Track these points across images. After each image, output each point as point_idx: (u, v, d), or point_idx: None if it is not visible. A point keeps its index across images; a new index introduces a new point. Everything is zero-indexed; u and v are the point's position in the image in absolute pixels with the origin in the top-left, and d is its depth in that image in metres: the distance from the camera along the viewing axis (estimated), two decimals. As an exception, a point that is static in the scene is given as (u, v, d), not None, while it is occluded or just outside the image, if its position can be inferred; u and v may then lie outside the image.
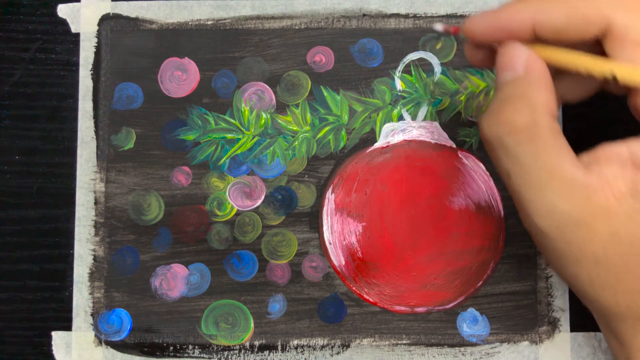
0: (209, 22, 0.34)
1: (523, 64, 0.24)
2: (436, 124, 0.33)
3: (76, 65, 0.34)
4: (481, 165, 0.33)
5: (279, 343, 0.33)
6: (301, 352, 0.33)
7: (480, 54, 0.27)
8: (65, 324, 0.34)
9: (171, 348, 0.33)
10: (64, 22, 0.35)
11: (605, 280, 0.23)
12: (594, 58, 0.23)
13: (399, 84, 0.34)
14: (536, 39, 0.24)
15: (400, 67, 0.34)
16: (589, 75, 0.23)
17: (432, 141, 0.33)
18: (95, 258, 0.34)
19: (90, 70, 0.34)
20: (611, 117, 0.33)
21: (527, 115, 0.23)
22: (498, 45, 0.25)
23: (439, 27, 0.27)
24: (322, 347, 0.33)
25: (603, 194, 0.22)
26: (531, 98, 0.23)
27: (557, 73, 0.26)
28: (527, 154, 0.23)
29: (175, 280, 0.34)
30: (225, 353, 0.33)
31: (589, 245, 0.23)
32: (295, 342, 0.33)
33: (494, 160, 0.25)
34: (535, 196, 0.23)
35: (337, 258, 0.33)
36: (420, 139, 0.33)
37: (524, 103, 0.23)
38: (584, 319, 0.33)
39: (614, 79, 0.22)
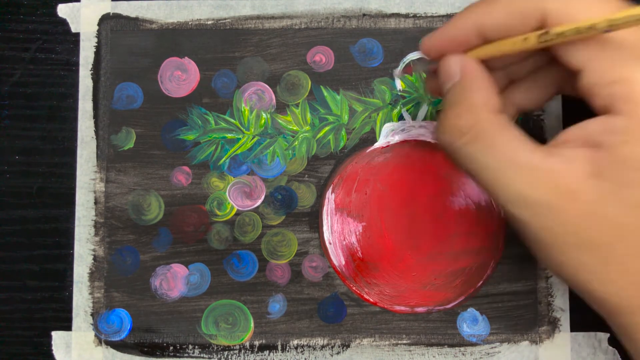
0: (209, 22, 0.34)
1: (458, 70, 0.25)
2: (436, 123, 0.33)
3: (76, 65, 0.34)
4: (481, 165, 0.33)
5: (279, 343, 0.33)
6: (301, 352, 0.33)
7: (437, 83, 0.28)
8: (65, 324, 0.34)
9: (171, 348, 0.33)
10: (64, 22, 0.35)
11: (591, 266, 0.23)
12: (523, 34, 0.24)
13: (399, 84, 0.34)
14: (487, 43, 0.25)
15: (400, 67, 0.34)
16: (525, 48, 0.24)
17: (432, 141, 0.33)
18: (95, 258, 0.34)
19: (90, 70, 0.34)
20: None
21: (468, 117, 0.24)
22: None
23: (397, 73, 0.31)
24: (322, 347, 0.33)
25: (566, 176, 0.23)
26: (469, 100, 0.25)
27: (511, 82, 0.28)
28: (479, 152, 0.24)
29: (175, 280, 0.34)
30: (225, 353, 0.33)
31: (563, 229, 0.23)
32: (295, 342, 0.33)
33: (456, 165, 0.26)
34: (502, 188, 0.24)
35: (337, 258, 0.33)
36: (420, 139, 0.33)
37: (463, 106, 0.25)
38: (584, 319, 0.33)
39: (546, 37, 0.23)
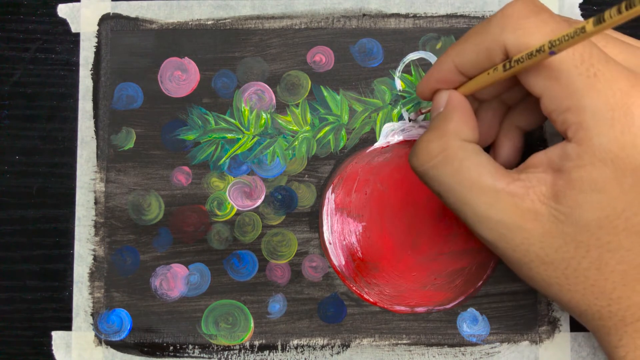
0: (209, 22, 0.34)
1: (444, 102, 0.28)
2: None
3: (76, 65, 0.34)
4: (481, 165, 0.33)
5: (279, 343, 0.33)
6: (301, 352, 0.33)
7: None
8: (65, 324, 0.34)
9: (171, 348, 0.33)
10: (64, 22, 0.35)
11: (557, 279, 0.26)
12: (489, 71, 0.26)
13: (399, 84, 0.34)
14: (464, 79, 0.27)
15: (400, 67, 0.34)
16: (498, 78, 0.26)
17: (432, 141, 0.33)
18: (95, 258, 0.34)
19: (90, 70, 0.34)
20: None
21: (439, 142, 0.26)
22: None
23: (412, 116, 0.33)
24: (322, 347, 0.33)
25: (528, 198, 0.25)
26: (442, 127, 0.27)
27: (509, 108, 0.30)
28: (446, 175, 0.26)
29: (175, 280, 0.34)
30: (225, 353, 0.33)
31: (530, 247, 0.25)
32: (295, 342, 0.33)
33: (426, 185, 0.27)
34: (469, 210, 0.26)
35: (337, 258, 0.33)
36: (420, 139, 0.33)
37: (436, 132, 0.27)
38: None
39: (509, 64, 0.25)
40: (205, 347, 0.33)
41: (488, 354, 0.33)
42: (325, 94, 0.34)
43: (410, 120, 0.33)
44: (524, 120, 0.30)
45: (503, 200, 0.25)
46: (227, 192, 0.34)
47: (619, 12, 0.20)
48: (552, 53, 0.23)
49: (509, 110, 0.30)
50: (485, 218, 0.26)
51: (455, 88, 0.28)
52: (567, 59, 0.24)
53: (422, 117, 0.33)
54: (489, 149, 0.31)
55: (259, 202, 0.34)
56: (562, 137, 0.25)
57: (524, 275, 0.27)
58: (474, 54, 0.26)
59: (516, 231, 0.25)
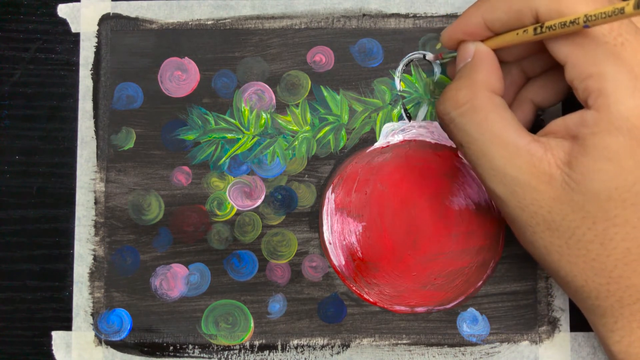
0: (209, 22, 0.34)
1: (472, 53, 0.28)
2: (436, 123, 0.33)
3: (76, 65, 0.34)
4: (481, 165, 0.33)
5: (279, 343, 0.33)
6: (301, 352, 0.33)
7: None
8: (65, 324, 0.34)
9: (171, 348, 0.33)
10: (64, 22, 0.35)
11: (559, 248, 0.25)
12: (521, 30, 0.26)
13: (399, 84, 0.34)
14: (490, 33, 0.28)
15: (400, 67, 0.34)
16: (526, 39, 0.26)
17: (432, 141, 0.33)
18: (95, 258, 0.34)
19: (90, 70, 0.34)
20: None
21: (467, 91, 0.26)
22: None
23: (430, 58, 0.33)
24: (322, 347, 0.33)
25: (546, 160, 0.25)
26: (472, 77, 0.27)
27: (528, 80, 0.30)
28: (471, 124, 0.26)
29: (175, 280, 0.34)
30: (225, 353, 0.33)
31: (539, 210, 0.25)
32: (295, 342, 0.33)
33: (449, 135, 0.28)
34: (486, 163, 0.26)
35: (337, 258, 0.33)
36: (420, 139, 0.33)
37: (465, 81, 0.27)
38: (584, 319, 0.33)
39: (541, 29, 0.25)
40: (205, 347, 0.33)
41: (488, 354, 0.33)
42: (325, 94, 0.34)
43: (427, 59, 0.33)
44: (540, 95, 0.29)
45: (522, 157, 0.25)
46: (227, 192, 0.34)
47: None
48: (586, 26, 0.23)
49: (527, 83, 0.30)
50: (501, 172, 0.26)
51: (482, 41, 0.28)
52: (596, 27, 0.24)
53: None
54: None
55: (259, 202, 0.34)
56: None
57: (527, 239, 0.26)
58: (504, 13, 0.26)
59: (528, 190, 0.25)
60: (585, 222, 0.25)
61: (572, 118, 0.25)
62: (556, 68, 0.29)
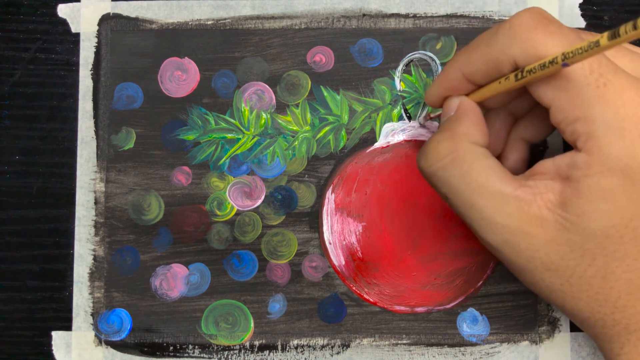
0: (209, 22, 0.34)
1: (455, 107, 0.28)
2: (436, 124, 0.33)
3: (76, 65, 0.34)
4: (481, 165, 0.33)
5: (279, 343, 0.33)
6: (301, 352, 0.33)
7: None
8: (65, 324, 0.34)
9: (171, 348, 0.33)
10: (64, 22, 0.35)
11: (561, 286, 0.26)
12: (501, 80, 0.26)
13: (399, 84, 0.34)
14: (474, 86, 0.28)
15: (400, 67, 0.34)
16: (509, 87, 0.26)
17: (432, 141, 0.33)
18: (95, 258, 0.34)
19: (90, 70, 0.34)
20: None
21: (449, 142, 0.26)
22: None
23: (421, 120, 0.33)
24: (322, 347, 0.33)
25: (535, 205, 0.25)
26: (453, 129, 0.27)
27: (516, 120, 0.30)
28: (454, 176, 0.26)
29: (175, 280, 0.34)
30: (225, 353, 0.33)
31: (535, 254, 0.25)
32: (295, 342, 0.33)
33: (433, 187, 0.28)
34: (475, 214, 0.26)
35: (337, 258, 0.33)
36: (420, 139, 0.33)
37: (446, 133, 0.27)
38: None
39: (521, 74, 0.25)
40: (205, 347, 0.33)
41: (488, 354, 0.33)
42: (325, 94, 0.34)
43: (419, 124, 0.33)
44: (530, 132, 0.30)
45: (510, 204, 0.25)
46: (227, 192, 0.34)
47: (635, 27, 0.20)
48: (565, 65, 0.23)
49: (516, 122, 0.30)
50: (491, 222, 0.25)
51: (466, 94, 0.28)
52: (577, 69, 0.24)
53: (428, 119, 0.33)
54: None
55: (259, 202, 0.34)
56: (563, 144, 0.25)
57: (528, 281, 0.27)
58: (482, 64, 0.26)
59: (521, 237, 0.25)
60: (585, 260, 0.25)
61: (562, 160, 0.25)
62: (541, 106, 0.29)
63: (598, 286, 0.25)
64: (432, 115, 0.32)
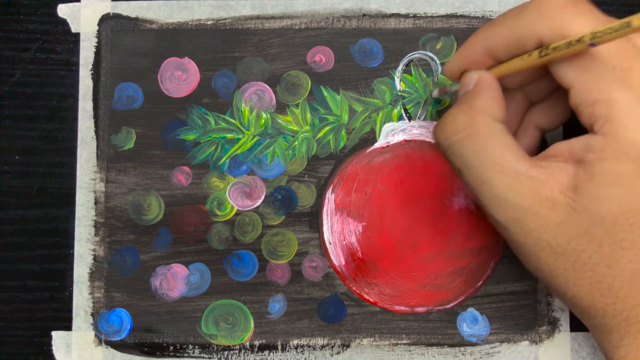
0: (209, 22, 0.34)
1: (474, 81, 0.27)
2: (436, 124, 0.33)
3: (76, 65, 0.34)
4: (481, 165, 0.33)
5: (279, 343, 0.33)
6: (301, 352, 0.33)
7: None
8: (65, 324, 0.34)
9: (171, 348, 0.33)
10: (64, 22, 0.35)
11: (564, 271, 0.25)
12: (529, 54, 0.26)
13: (399, 84, 0.34)
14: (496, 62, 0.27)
15: (400, 67, 0.34)
16: (532, 63, 0.26)
17: (432, 141, 0.33)
18: (95, 258, 0.34)
19: (90, 70, 0.34)
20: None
21: (466, 116, 0.26)
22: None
23: (435, 93, 0.32)
24: (322, 347, 0.33)
25: (548, 186, 0.25)
26: (471, 103, 0.27)
27: (531, 105, 0.30)
28: (470, 150, 0.26)
29: (175, 280, 0.34)
30: (225, 353, 0.33)
31: (543, 235, 0.25)
32: (295, 342, 0.33)
33: (447, 161, 0.27)
34: (487, 190, 0.26)
35: (337, 258, 0.33)
36: (420, 139, 0.33)
37: (463, 107, 0.27)
38: (584, 318, 0.33)
39: (546, 51, 0.25)
40: (205, 347, 0.33)
41: (488, 354, 0.33)
42: (325, 94, 0.34)
43: (433, 96, 0.33)
44: (544, 119, 0.29)
45: (523, 183, 0.25)
46: (227, 192, 0.34)
47: None
48: (592, 45, 0.23)
49: (531, 108, 0.30)
50: (502, 199, 0.25)
51: (487, 69, 0.28)
52: (602, 50, 0.24)
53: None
54: None
55: (259, 202, 0.34)
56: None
57: (531, 264, 0.26)
58: (506, 39, 0.26)
59: (531, 216, 0.25)
60: (591, 246, 0.24)
61: (577, 142, 0.25)
62: (558, 92, 0.29)
63: (602, 274, 0.25)
64: (448, 88, 0.31)
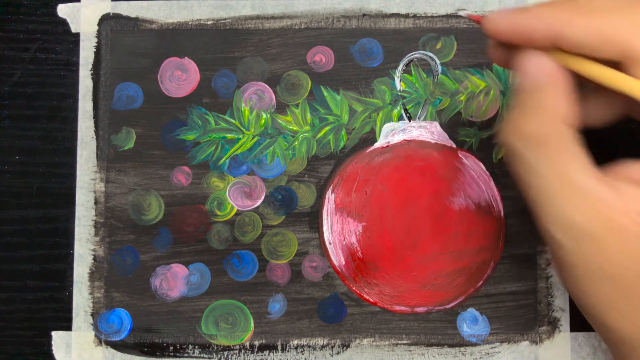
0: (209, 22, 0.34)
1: (544, 73, 0.24)
2: (436, 123, 0.33)
3: (76, 65, 0.34)
4: (481, 165, 0.33)
5: (279, 343, 0.33)
6: (301, 352, 0.33)
7: (503, 53, 0.26)
8: (65, 324, 0.34)
9: (171, 348, 0.33)
10: (64, 22, 0.35)
11: (612, 298, 0.23)
12: (621, 74, 0.22)
13: (399, 84, 0.34)
14: (553, 47, 0.24)
15: (400, 67, 0.34)
16: (614, 89, 0.23)
17: (432, 141, 0.33)
18: (95, 258, 0.34)
19: (90, 70, 0.34)
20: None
21: (538, 123, 0.23)
22: (518, 49, 0.25)
23: (463, 13, 0.27)
24: (322, 347, 0.33)
25: (619, 211, 0.22)
26: (543, 106, 0.23)
27: (582, 97, 0.26)
28: (539, 161, 0.23)
29: (175, 280, 0.34)
30: (225, 353, 0.33)
31: (599, 259, 0.23)
32: (295, 342, 0.33)
33: (512, 168, 0.24)
34: (550, 205, 0.23)
35: (337, 258, 0.33)
36: (420, 139, 0.33)
37: (536, 111, 0.23)
38: (584, 319, 0.33)
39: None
40: (205, 347, 0.33)
41: (488, 354, 0.33)
42: (325, 94, 0.34)
43: (461, 14, 0.28)
44: (591, 115, 0.27)
45: (593, 205, 0.23)
46: (227, 192, 0.34)
47: None
48: None
49: (577, 97, 0.26)
50: (566, 218, 0.23)
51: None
52: None
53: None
54: None
55: (259, 202, 0.34)
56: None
57: (579, 287, 0.24)
58: (586, 34, 0.23)
59: (595, 242, 0.23)
60: None
61: None
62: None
63: None
64: (474, 16, 0.26)
